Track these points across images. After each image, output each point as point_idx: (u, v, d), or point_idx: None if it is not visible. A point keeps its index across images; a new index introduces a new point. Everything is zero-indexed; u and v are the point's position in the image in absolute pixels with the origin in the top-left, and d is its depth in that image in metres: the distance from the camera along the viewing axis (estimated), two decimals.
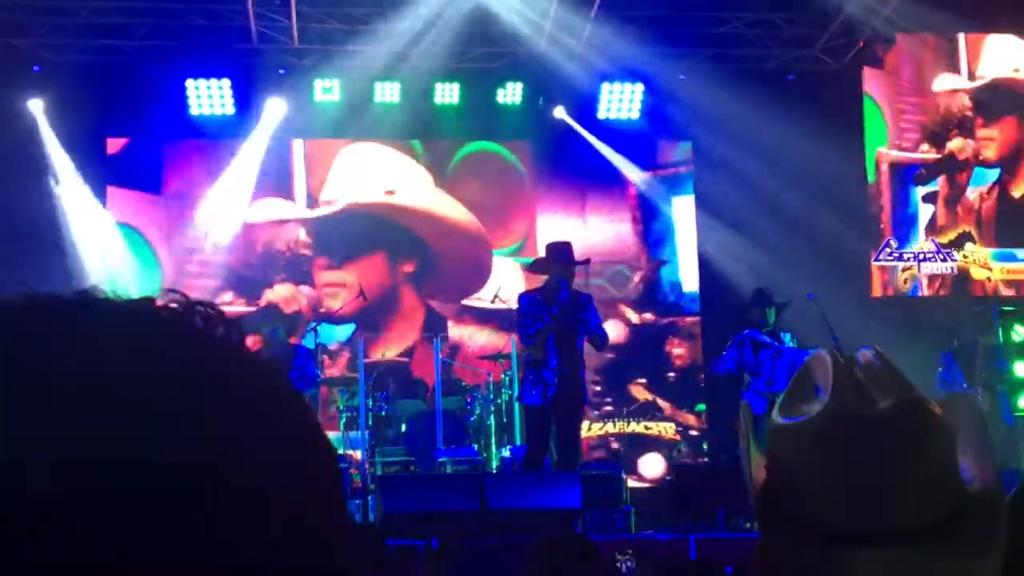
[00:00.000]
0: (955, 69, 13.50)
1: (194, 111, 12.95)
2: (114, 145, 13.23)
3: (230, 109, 12.97)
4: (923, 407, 1.23)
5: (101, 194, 12.97)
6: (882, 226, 13.33)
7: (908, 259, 13.14)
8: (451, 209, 13.65)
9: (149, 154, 13.29)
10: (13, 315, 0.66)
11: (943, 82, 13.51)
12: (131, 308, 0.69)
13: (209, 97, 12.92)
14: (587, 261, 10.04)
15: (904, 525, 1.15)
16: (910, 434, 1.19)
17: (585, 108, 13.51)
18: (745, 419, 1.51)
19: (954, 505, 1.18)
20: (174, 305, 0.69)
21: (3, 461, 0.61)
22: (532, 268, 10.08)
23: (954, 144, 13.40)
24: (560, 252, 9.37)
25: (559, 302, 9.06)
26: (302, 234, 13.47)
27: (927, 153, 13.47)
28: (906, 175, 13.50)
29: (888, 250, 13.24)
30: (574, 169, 13.87)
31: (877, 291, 13.13)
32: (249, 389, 0.68)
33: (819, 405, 1.23)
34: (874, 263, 13.15)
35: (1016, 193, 13.55)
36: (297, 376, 10.12)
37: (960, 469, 1.22)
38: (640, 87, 13.32)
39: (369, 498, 9.93)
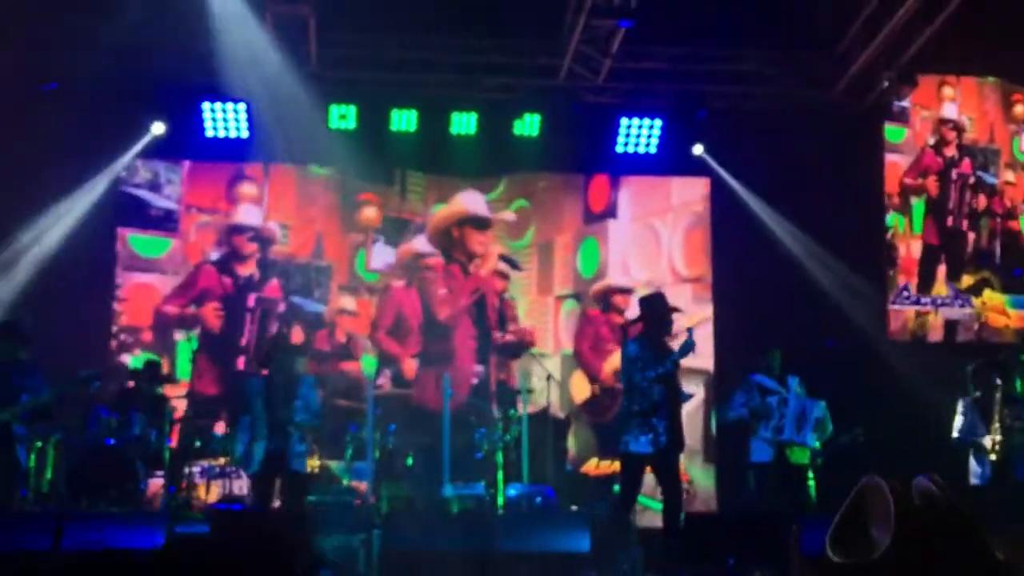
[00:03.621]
0: None
1: (209, 133, 12.91)
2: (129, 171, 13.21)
3: (245, 133, 12.91)
4: (988, 554, 1.11)
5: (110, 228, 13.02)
6: (899, 269, 13.18)
7: (925, 303, 13.00)
8: None
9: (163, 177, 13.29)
10: None
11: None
12: None
13: (224, 120, 12.87)
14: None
15: None
16: None
17: (603, 141, 13.42)
18: (794, 548, 1.39)
19: None
20: None
21: None
22: (631, 321, 10.04)
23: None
24: (654, 306, 9.40)
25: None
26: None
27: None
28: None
29: (905, 294, 13.10)
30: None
31: (894, 336, 12.98)
32: None
33: (879, 547, 1.11)
34: (891, 307, 13.01)
35: None
36: (301, 406, 9.99)
37: None
38: (659, 123, 13.23)
39: (374, 532, 9.78)
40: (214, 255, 13.30)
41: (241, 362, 13.12)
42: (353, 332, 13.33)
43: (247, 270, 13.34)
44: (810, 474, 10.34)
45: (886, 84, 12.84)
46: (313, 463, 10.97)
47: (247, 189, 13.44)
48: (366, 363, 13.13)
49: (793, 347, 11.18)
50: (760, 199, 13.18)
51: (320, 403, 10.43)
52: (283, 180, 13.59)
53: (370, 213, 13.58)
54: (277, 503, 9.99)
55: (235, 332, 13.22)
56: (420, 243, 13.57)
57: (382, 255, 13.55)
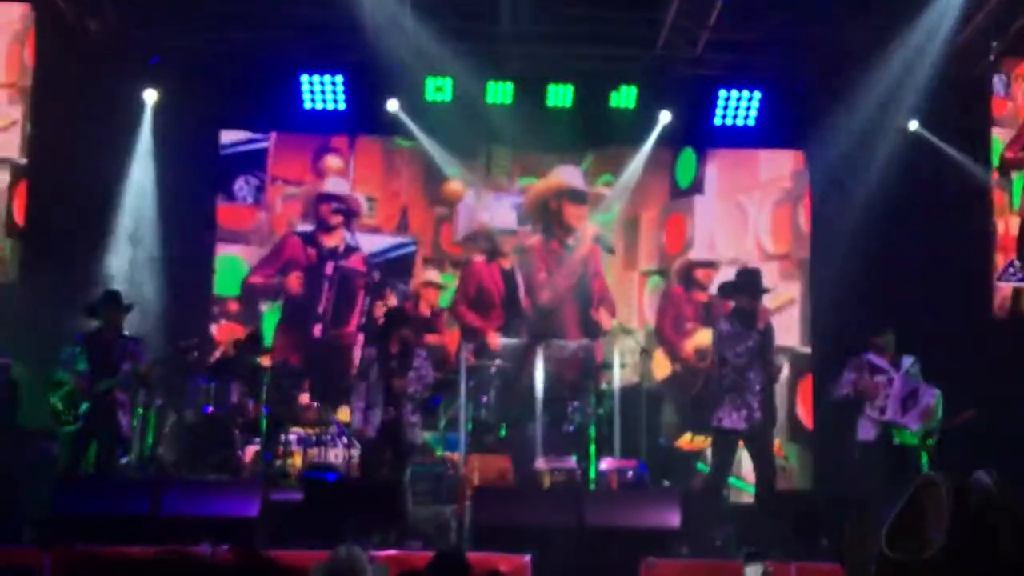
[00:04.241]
0: None
1: (307, 105, 13.01)
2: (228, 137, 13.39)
3: (342, 105, 12.99)
4: None
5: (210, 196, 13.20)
6: (998, 247, 12.80)
7: None
8: None
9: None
10: None
11: None
12: None
13: (322, 92, 12.97)
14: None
15: None
16: None
17: (701, 114, 13.27)
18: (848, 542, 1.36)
19: None
20: None
21: None
22: (721, 294, 9.94)
23: None
24: (751, 280, 9.33)
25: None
26: None
27: None
28: None
29: (1012, 269, 12.75)
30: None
31: (998, 312, 12.64)
32: None
33: (933, 545, 1.08)
34: (997, 282, 12.66)
35: None
36: (415, 378, 10.07)
37: None
38: (758, 95, 13.04)
39: (466, 504, 9.83)
40: (300, 226, 13.44)
41: (318, 330, 13.27)
42: (438, 305, 13.39)
43: (332, 241, 13.46)
44: (923, 455, 10.14)
45: (993, 57, 12.49)
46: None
47: (333, 162, 13.55)
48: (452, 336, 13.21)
49: (898, 325, 11.00)
50: (863, 174, 12.92)
51: (433, 376, 10.46)
52: (369, 153, 13.66)
53: (455, 186, 13.59)
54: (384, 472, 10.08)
55: (313, 300, 13.40)
56: (500, 217, 13.54)
57: (465, 229, 13.56)
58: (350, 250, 13.48)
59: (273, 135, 13.54)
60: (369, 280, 13.37)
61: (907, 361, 10.16)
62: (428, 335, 13.01)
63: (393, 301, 13.12)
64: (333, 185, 13.54)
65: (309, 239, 13.47)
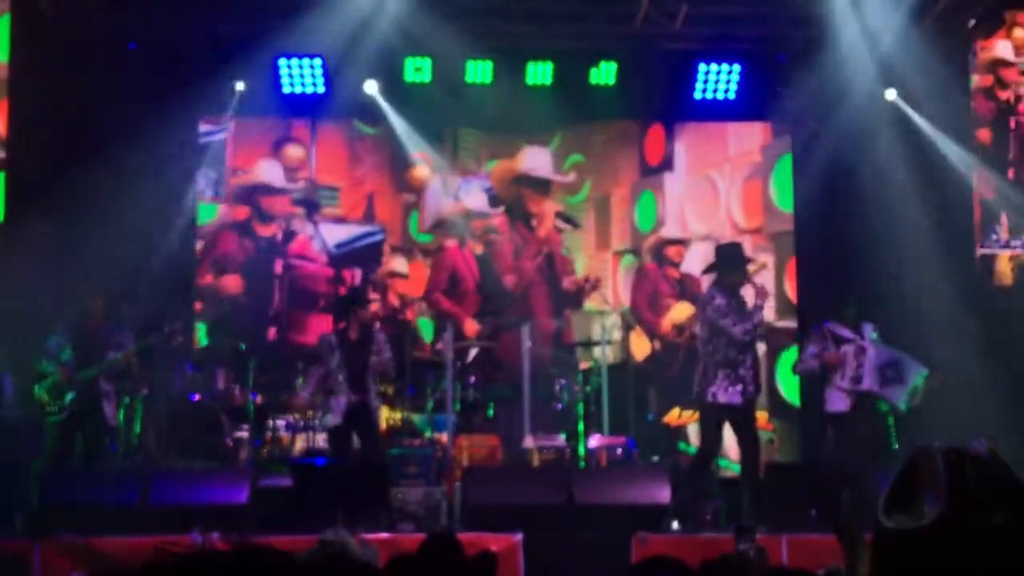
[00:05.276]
0: None
1: (286, 90, 12.89)
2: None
3: (321, 88, 12.88)
4: None
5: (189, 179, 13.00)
6: (987, 211, 12.80)
7: (1016, 247, 12.66)
8: None
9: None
10: None
11: None
12: None
13: (300, 76, 12.85)
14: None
15: None
16: None
17: (681, 88, 13.22)
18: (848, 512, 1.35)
19: None
20: None
21: None
22: (706, 271, 9.93)
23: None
24: (734, 254, 9.32)
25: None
26: None
27: None
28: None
29: (995, 236, 12.77)
30: None
31: (979, 279, 12.66)
32: None
33: (931, 513, 1.09)
34: (980, 249, 12.68)
35: None
36: (375, 361, 10.05)
37: None
38: (737, 68, 13.01)
39: (455, 485, 9.83)
40: (249, 218, 13.07)
41: (272, 332, 12.90)
42: (405, 294, 13.18)
43: (268, 231, 13.12)
44: (889, 419, 10.16)
45: (973, 22, 12.48)
46: (395, 415, 11.06)
47: (294, 151, 13.28)
48: (422, 326, 13.04)
49: (878, 292, 11.01)
50: (846, 144, 12.91)
51: (390, 353, 10.41)
52: (332, 140, 13.41)
53: (422, 172, 13.42)
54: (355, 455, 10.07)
55: (263, 301, 13.01)
56: (472, 200, 13.43)
57: (435, 215, 13.40)
58: (290, 236, 13.11)
59: (231, 125, 13.20)
60: (348, 292, 12.67)
61: (868, 328, 10.17)
62: (396, 326, 12.79)
63: (375, 307, 12.65)
64: (268, 171, 13.15)
65: (243, 230, 13.05)
